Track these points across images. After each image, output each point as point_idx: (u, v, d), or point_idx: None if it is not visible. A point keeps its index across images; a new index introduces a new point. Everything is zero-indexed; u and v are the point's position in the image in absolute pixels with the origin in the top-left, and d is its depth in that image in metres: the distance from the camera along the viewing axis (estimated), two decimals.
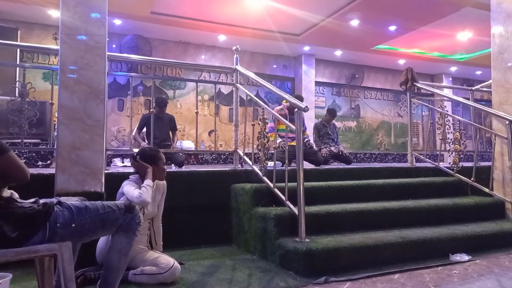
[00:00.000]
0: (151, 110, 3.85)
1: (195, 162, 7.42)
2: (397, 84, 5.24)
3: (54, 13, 6.68)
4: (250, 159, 3.63)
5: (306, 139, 5.07)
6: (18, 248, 1.59)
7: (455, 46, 9.06)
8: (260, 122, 3.33)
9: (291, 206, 2.89)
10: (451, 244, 3.00)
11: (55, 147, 2.89)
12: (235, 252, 3.22)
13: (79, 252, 2.03)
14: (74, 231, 1.71)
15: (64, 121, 2.80)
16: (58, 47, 2.88)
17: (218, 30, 7.83)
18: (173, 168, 4.55)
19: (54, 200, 1.79)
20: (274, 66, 9.56)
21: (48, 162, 5.97)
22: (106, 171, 3.01)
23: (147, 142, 5.10)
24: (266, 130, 3.32)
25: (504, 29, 4.05)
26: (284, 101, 4.95)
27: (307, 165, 4.60)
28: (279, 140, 4.38)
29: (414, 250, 2.87)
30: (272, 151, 3.31)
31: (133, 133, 5.61)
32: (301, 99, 5.35)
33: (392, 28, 7.81)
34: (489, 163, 4.16)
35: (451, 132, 4.45)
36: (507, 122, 3.82)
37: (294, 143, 2.98)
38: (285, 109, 4.90)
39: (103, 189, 2.87)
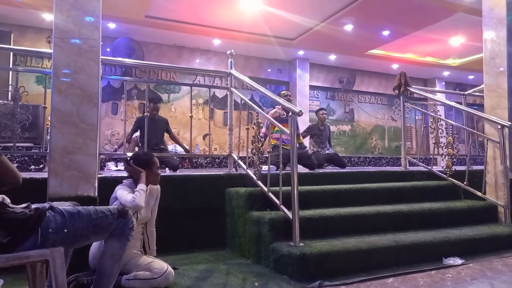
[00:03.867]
0: (145, 114, 3.84)
1: (189, 166, 7.40)
2: (391, 88, 5.28)
3: (48, 17, 6.66)
4: (244, 163, 3.64)
5: (306, 149, 5.17)
6: (10, 253, 1.57)
7: (448, 51, 9.16)
8: (254, 126, 3.34)
9: (286, 210, 2.89)
10: (444, 247, 3.02)
11: (48, 151, 2.87)
12: (229, 257, 3.21)
13: (71, 257, 2.01)
14: (66, 236, 1.70)
15: (57, 125, 2.79)
16: (51, 51, 2.87)
17: (212, 34, 7.84)
18: (167, 172, 4.53)
19: (46, 205, 1.77)
20: (269, 70, 9.59)
21: (41, 166, 5.92)
22: (99, 175, 3.00)
23: (140, 144, 5.07)
24: (260, 134, 3.32)
25: (495, 34, 4.10)
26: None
27: (302, 169, 4.61)
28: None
29: (408, 254, 2.88)
30: (266, 155, 3.32)
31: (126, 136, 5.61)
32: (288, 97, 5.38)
33: (386, 33, 7.88)
34: (482, 167, 4.20)
35: (444, 136, 4.49)
36: (499, 127, 3.86)
37: (288, 146, 2.98)
38: (280, 110, 4.91)
39: (96, 194, 2.85)
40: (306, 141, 6.73)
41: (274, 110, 5.04)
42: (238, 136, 4.08)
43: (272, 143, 4.80)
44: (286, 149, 3.35)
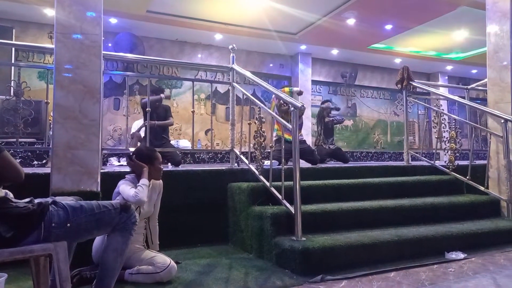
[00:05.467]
0: (147, 109, 3.83)
1: (191, 161, 7.41)
2: (393, 83, 5.26)
3: (50, 12, 6.65)
4: (246, 158, 3.64)
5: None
6: (13, 248, 1.58)
7: (451, 45, 9.09)
8: (256, 121, 3.34)
9: (288, 205, 2.89)
10: (446, 242, 3.02)
11: (50, 146, 2.88)
12: (231, 251, 3.22)
13: (74, 251, 2.02)
14: (69, 231, 1.70)
15: (60, 120, 2.79)
16: (53, 46, 2.87)
17: (214, 29, 7.81)
18: (170, 167, 4.54)
19: (49, 199, 1.78)
20: (271, 65, 9.56)
21: (44, 161, 5.94)
22: (102, 171, 3.00)
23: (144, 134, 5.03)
24: (263, 129, 3.31)
25: (499, 28, 4.07)
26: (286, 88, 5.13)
27: (304, 164, 4.60)
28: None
29: (410, 248, 2.88)
30: (269, 150, 3.32)
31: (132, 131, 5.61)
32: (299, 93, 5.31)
33: (388, 27, 7.83)
34: (485, 162, 4.19)
35: (447, 130, 4.47)
36: (502, 121, 3.84)
37: (290, 136, 2.98)
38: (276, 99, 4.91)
39: (99, 189, 2.86)
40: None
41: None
42: (240, 131, 4.08)
43: (276, 128, 4.74)
44: (288, 143, 3.34)
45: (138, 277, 2.37)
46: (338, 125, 6.81)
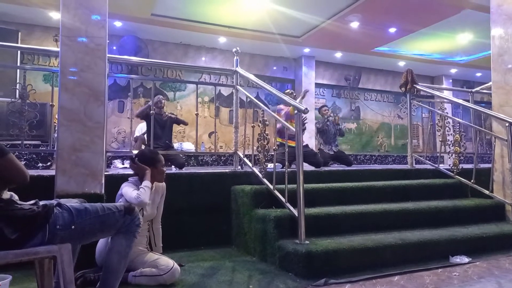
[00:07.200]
0: (151, 112, 3.85)
1: (195, 164, 7.42)
2: (397, 86, 5.25)
3: (55, 15, 6.71)
4: (250, 160, 3.64)
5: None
6: (18, 250, 1.59)
7: (455, 48, 9.07)
8: (260, 124, 3.34)
9: (291, 208, 2.89)
10: (451, 246, 3.00)
11: (55, 148, 2.90)
12: (235, 254, 3.22)
13: (78, 253, 2.03)
14: (74, 233, 1.71)
15: (64, 123, 2.81)
16: (58, 49, 2.89)
17: (218, 32, 7.85)
18: (173, 169, 4.55)
19: (54, 202, 1.79)
20: (274, 68, 9.58)
21: (48, 163, 5.97)
22: (106, 173, 3.01)
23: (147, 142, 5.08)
24: (266, 132, 3.31)
25: (504, 31, 4.05)
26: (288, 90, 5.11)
27: (307, 167, 4.60)
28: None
29: (414, 252, 2.87)
30: (272, 153, 3.31)
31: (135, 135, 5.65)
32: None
33: (392, 30, 7.83)
34: (489, 165, 4.16)
35: (451, 134, 4.46)
36: (507, 124, 3.82)
37: (293, 143, 2.98)
38: (285, 108, 4.91)
39: (103, 191, 2.87)
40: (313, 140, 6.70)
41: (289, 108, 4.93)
42: (244, 134, 4.08)
43: (278, 140, 4.80)
44: (291, 147, 3.35)
45: (141, 280, 2.38)
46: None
